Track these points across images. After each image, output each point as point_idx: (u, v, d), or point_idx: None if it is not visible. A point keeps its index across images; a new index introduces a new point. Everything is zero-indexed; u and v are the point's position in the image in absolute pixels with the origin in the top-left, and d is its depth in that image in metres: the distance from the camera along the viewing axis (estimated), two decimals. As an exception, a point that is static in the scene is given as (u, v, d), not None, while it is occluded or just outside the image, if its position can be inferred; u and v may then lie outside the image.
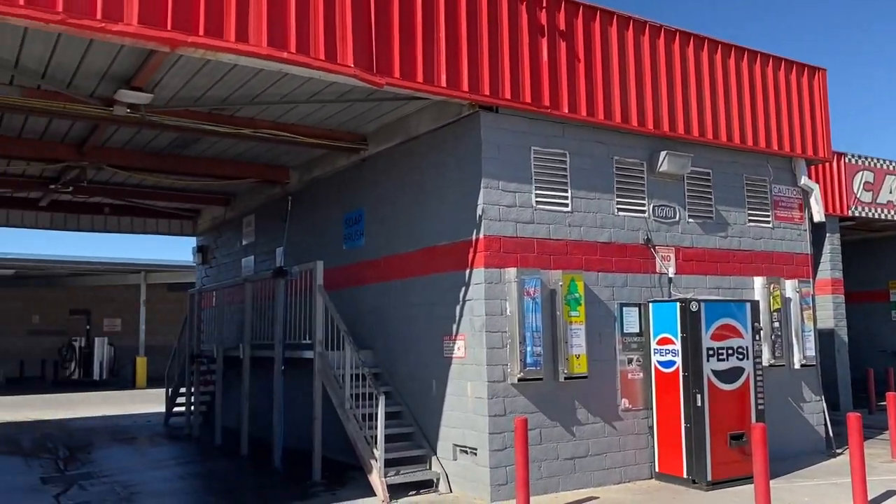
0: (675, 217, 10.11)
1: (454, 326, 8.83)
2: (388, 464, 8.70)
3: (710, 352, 8.97)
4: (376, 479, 8.56)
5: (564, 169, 9.21)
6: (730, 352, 9.13)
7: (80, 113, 8.88)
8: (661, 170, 9.82)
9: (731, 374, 9.10)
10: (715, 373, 8.97)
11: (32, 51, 7.44)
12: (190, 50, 6.71)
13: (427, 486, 8.86)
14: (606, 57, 9.45)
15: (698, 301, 9.07)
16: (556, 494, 8.51)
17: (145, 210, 16.13)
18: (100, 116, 8.98)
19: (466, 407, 8.58)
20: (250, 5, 6.85)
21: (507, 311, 8.49)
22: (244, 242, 14.82)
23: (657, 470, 9.23)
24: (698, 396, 8.83)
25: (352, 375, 9.29)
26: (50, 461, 11.64)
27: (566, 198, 9.16)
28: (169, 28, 6.45)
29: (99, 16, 6.19)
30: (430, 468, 9.04)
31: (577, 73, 9.16)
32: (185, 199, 15.15)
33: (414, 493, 8.69)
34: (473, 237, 8.61)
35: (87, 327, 28.67)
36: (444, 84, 8.14)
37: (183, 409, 15.34)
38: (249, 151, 11.63)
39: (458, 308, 8.78)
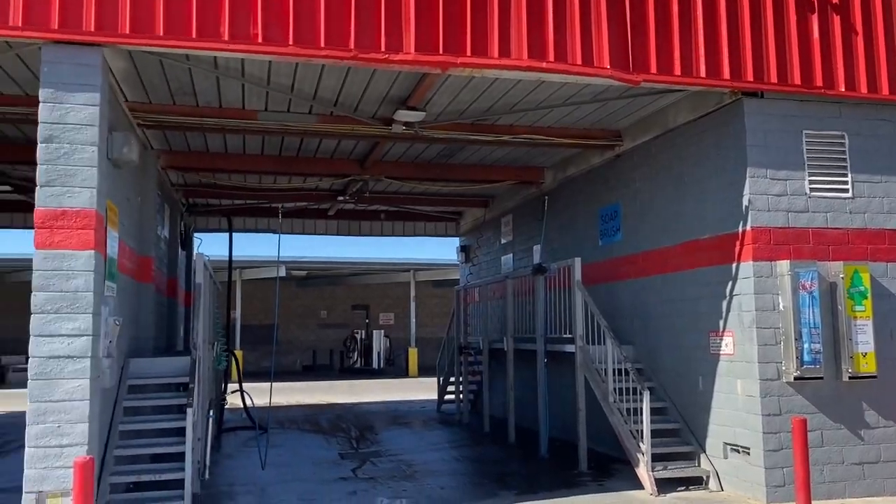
0: (983, 197, 8.85)
1: (720, 322, 8.60)
2: (655, 458, 8.73)
3: None
4: (643, 472, 8.64)
5: (843, 151, 8.52)
6: None
7: (364, 133, 10.07)
8: (963, 145, 8.68)
9: None
10: None
11: (327, 84, 8.62)
12: (459, 70, 7.36)
13: (696, 482, 8.73)
14: (890, 25, 8.57)
15: None
16: (842, 500, 7.93)
17: (414, 214, 17.66)
18: (380, 135, 10.12)
19: (736, 405, 8.32)
20: (511, 23, 7.33)
21: (780, 306, 8.08)
22: (503, 241, 15.58)
23: (968, 483, 8.19)
24: None
25: (614, 370, 9.45)
26: (344, 439, 13.25)
27: (845, 183, 8.48)
28: (441, 53, 7.15)
29: (383, 48, 7.06)
30: (699, 465, 8.89)
31: (855, 48, 8.43)
32: (449, 203, 16.33)
33: (683, 488, 8.63)
34: (739, 229, 8.32)
35: (367, 321, 31.89)
36: (703, 74, 7.98)
37: (453, 396, 16.53)
38: (507, 156, 12.27)
39: (724, 303, 8.53)
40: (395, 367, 31.05)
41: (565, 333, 10.53)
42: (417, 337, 30.24)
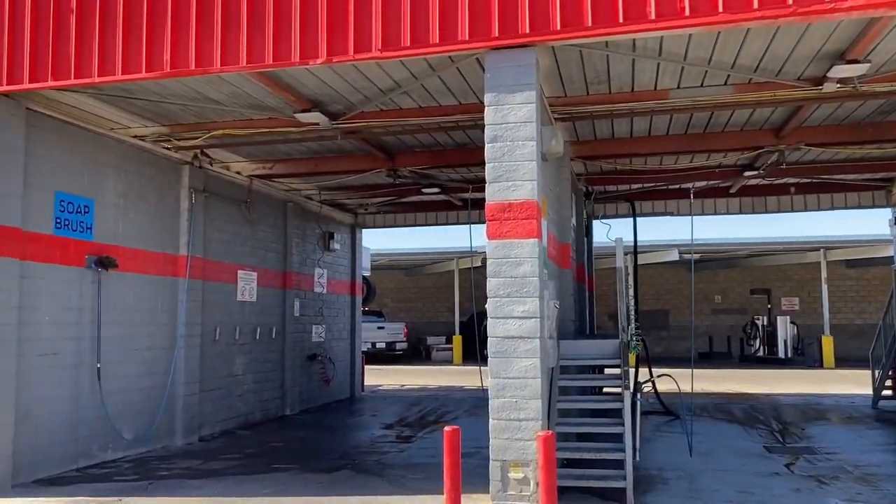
0: None
1: None
2: None
3: None
4: None
5: None
6: None
7: (786, 98, 9.14)
8: None
9: None
10: None
11: (749, 49, 7.99)
12: (926, 5, 6.21)
13: None
14: None
15: None
16: None
17: (832, 185, 15.68)
18: (806, 97, 9.10)
19: None
20: None
21: None
22: (958, 208, 12.99)
23: None
24: None
25: None
26: (766, 432, 12.32)
27: None
28: (904, -12, 6.11)
29: (827, -2, 6.28)
30: None
31: None
32: (878, 169, 14.12)
33: None
34: None
35: (769, 306, 29.54)
36: None
37: (890, 392, 14.38)
38: (969, 104, 10.14)
39: None
40: (805, 357, 28.22)
41: None
42: (831, 324, 27.07)
